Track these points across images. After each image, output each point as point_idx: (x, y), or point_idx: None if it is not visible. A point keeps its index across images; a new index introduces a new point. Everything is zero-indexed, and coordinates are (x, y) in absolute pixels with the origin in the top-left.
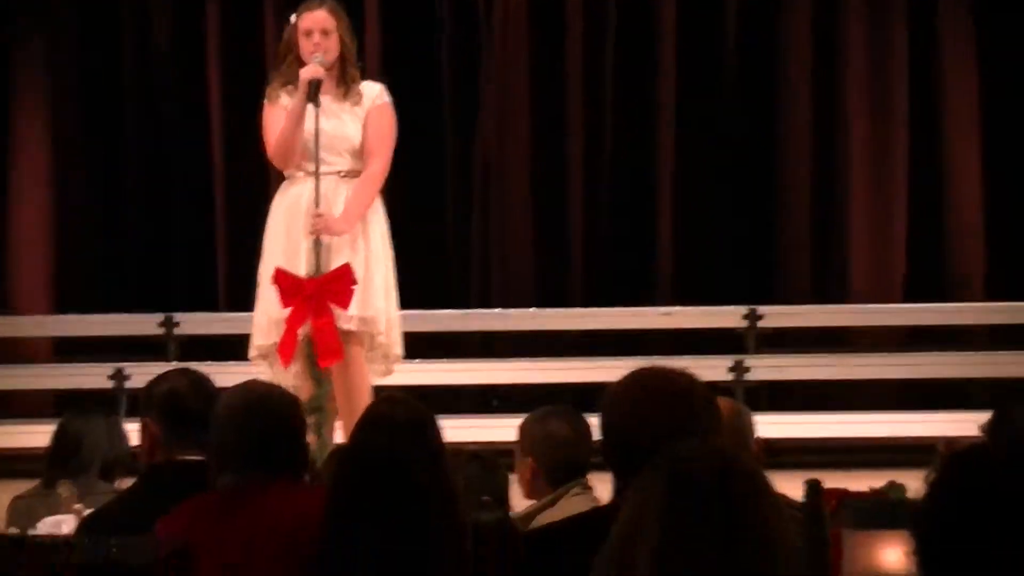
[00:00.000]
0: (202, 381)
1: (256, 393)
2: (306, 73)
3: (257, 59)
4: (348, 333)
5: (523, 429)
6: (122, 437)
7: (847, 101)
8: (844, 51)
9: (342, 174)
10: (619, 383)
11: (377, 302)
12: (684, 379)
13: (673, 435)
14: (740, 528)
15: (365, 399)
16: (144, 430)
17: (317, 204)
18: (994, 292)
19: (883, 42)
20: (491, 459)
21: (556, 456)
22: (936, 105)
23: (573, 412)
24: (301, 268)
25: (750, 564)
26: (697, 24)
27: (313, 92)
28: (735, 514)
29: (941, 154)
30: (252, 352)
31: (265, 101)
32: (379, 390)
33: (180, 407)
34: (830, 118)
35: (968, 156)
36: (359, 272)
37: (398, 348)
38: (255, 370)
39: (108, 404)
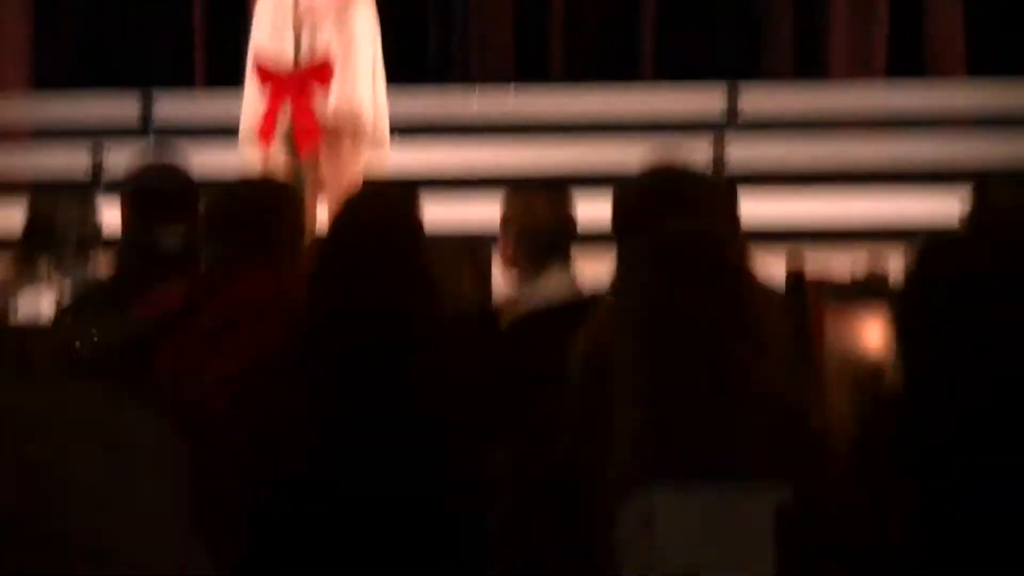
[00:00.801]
0: (176, 168)
1: (244, 178)
2: None
3: None
4: (333, 120)
5: (504, 204)
6: (95, 214)
7: None
8: None
9: None
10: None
11: (361, 88)
12: (695, 172)
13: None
14: (722, 307)
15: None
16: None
17: None
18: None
19: None
20: (474, 240)
21: (537, 233)
22: None
23: (555, 186)
24: (288, 50)
25: (733, 347)
26: None
27: None
28: (718, 296)
29: None
30: (241, 134)
31: None
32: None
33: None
34: None
35: None
36: (342, 55)
37: (386, 133)
38: (236, 153)
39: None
